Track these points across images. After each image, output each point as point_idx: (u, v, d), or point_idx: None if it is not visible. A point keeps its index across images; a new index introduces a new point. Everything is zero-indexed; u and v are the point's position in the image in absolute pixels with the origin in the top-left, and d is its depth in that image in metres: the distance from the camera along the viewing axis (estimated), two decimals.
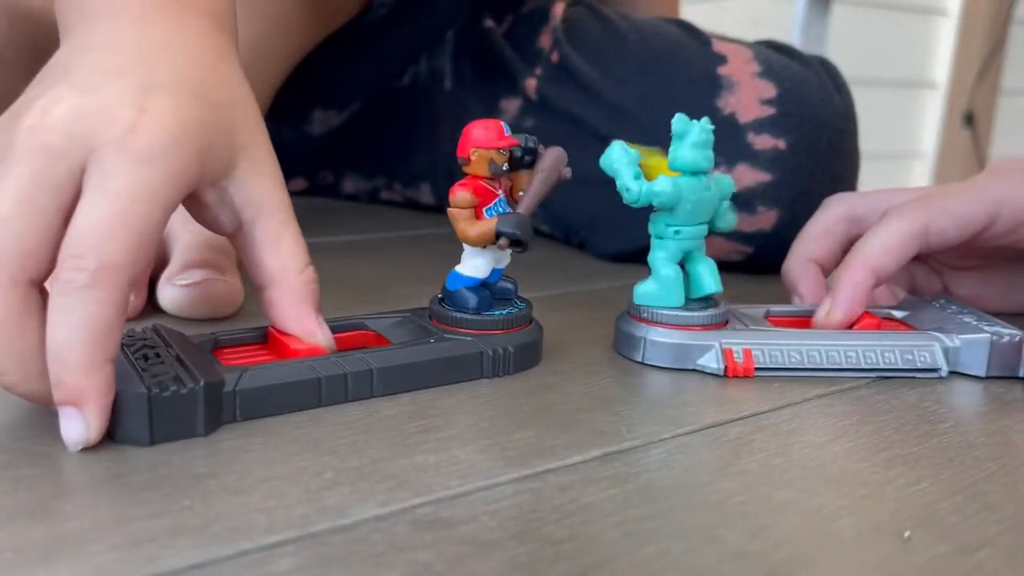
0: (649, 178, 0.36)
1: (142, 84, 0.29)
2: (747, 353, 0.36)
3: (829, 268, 0.44)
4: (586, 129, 0.57)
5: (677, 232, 0.37)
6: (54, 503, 0.24)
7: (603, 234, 0.57)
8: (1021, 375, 0.38)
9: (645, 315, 0.37)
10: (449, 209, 0.34)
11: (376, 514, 0.24)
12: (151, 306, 0.40)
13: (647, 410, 0.33)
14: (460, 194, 0.34)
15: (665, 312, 0.37)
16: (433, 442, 0.29)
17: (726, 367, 0.36)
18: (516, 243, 0.34)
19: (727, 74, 0.54)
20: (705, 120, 0.36)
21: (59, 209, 0.27)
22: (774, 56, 0.55)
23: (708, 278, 0.37)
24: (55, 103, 0.28)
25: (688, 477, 0.28)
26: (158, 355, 0.29)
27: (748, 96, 0.53)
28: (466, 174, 0.34)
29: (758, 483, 0.27)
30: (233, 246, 0.33)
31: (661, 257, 0.37)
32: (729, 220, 0.38)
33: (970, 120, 2.25)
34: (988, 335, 0.38)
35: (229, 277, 0.40)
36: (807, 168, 0.52)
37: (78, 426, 0.26)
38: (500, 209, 0.35)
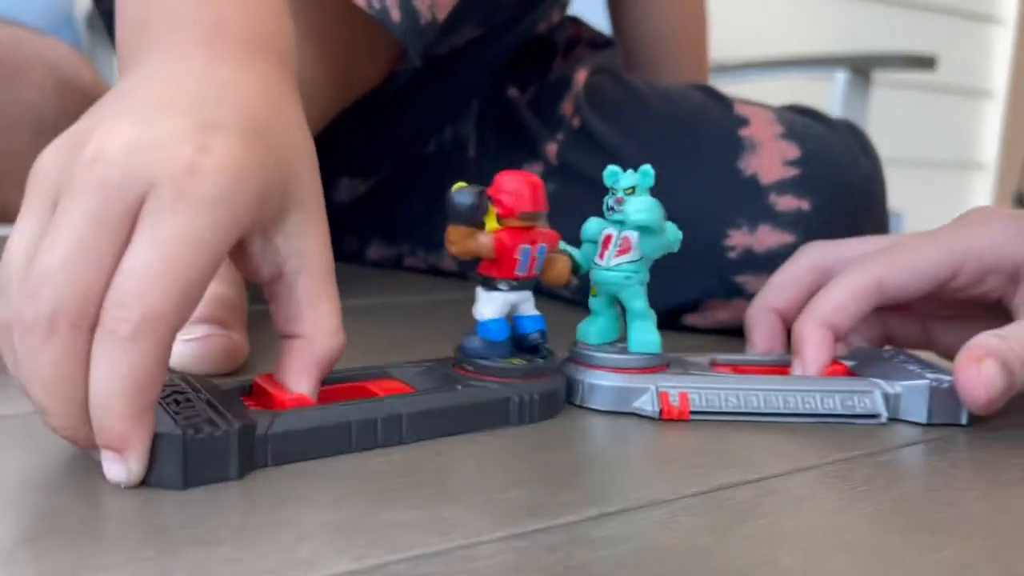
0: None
1: (204, 121, 0.28)
2: (683, 397, 0.36)
3: (791, 318, 0.43)
4: (607, 192, 0.56)
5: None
6: (16, 550, 0.23)
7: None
8: (963, 422, 0.37)
9: (584, 359, 0.37)
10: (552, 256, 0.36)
11: (349, 569, 0.23)
12: None
13: (654, 469, 0.31)
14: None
15: (602, 356, 0.37)
16: (420, 498, 0.27)
17: (661, 410, 0.36)
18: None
19: (749, 135, 0.53)
20: (646, 168, 0.37)
21: (115, 251, 0.26)
22: (797, 118, 0.54)
23: (633, 336, 0.37)
24: (113, 136, 0.27)
25: (688, 539, 0.26)
26: (188, 400, 0.29)
27: (771, 157, 0.52)
28: None
29: (763, 547, 0.26)
30: (266, 293, 0.32)
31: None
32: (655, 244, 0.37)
33: (1022, 201, 2.22)
34: (928, 381, 0.37)
35: (234, 333, 0.40)
36: (833, 229, 0.51)
37: (119, 469, 0.26)
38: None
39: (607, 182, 0.37)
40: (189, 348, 0.38)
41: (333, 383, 0.34)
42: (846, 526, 0.28)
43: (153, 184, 0.26)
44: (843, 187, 0.51)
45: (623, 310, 0.38)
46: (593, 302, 0.39)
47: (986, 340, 0.36)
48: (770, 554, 0.25)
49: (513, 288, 0.35)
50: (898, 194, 1.54)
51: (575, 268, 0.38)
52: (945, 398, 0.37)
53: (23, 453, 0.29)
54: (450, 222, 0.34)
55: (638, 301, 0.37)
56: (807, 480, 0.31)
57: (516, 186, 0.34)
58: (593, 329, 0.38)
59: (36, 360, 0.25)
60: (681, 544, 0.25)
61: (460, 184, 0.34)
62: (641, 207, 0.36)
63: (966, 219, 0.41)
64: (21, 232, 0.27)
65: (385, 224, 0.71)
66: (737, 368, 0.41)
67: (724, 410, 0.36)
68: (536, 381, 0.35)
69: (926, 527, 0.28)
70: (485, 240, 0.34)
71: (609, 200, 0.37)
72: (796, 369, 0.39)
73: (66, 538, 0.23)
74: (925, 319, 0.44)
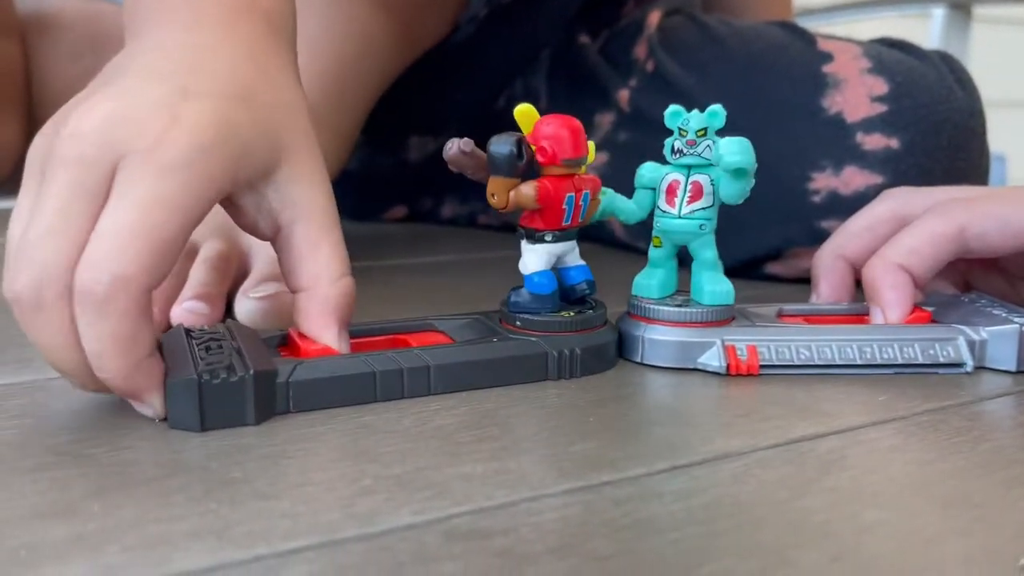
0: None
1: (181, 89, 0.29)
2: (751, 350, 0.34)
3: (862, 267, 0.40)
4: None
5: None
6: (83, 503, 0.23)
7: None
8: None
9: (644, 313, 0.36)
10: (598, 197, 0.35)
11: (408, 523, 0.22)
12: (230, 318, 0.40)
13: (726, 422, 0.30)
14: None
15: (664, 309, 0.35)
16: (485, 452, 0.27)
17: (728, 365, 0.34)
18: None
19: (833, 71, 0.50)
20: (715, 108, 0.34)
21: (91, 220, 0.27)
22: (886, 51, 0.51)
23: (706, 287, 0.35)
24: (91, 110, 0.28)
25: (764, 493, 0.24)
26: (220, 347, 0.30)
27: (856, 93, 0.49)
28: None
29: (846, 501, 0.24)
30: (274, 250, 0.33)
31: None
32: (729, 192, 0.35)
33: None
34: (1017, 326, 0.34)
35: None
36: (925, 168, 0.47)
37: (146, 410, 0.28)
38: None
39: (671, 123, 0.35)
40: (257, 305, 0.38)
41: (373, 335, 0.35)
42: (938, 479, 0.26)
43: (124, 155, 0.27)
44: (936, 123, 0.48)
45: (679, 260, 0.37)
46: (654, 253, 0.37)
47: None
48: (854, 509, 0.24)
49: (557, 239, 0.34)
50: (1001, 137, 1.46)
51: (611, 213, 0.36)
52: None
53: (77, 407, 0.30)
54: (491, 174, 0.32)
55: (709, 250, 0.36)
56: (894, 431, 0.29)
57: (555, 130, 0.32)
58: (654, 282, 0.36)
59: (34, 331, 0.27)
60: (757, 498, 0.24)
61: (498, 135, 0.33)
62: (735, 148, 0.33)
63: None
64: (17, 211, 0.28)
65: (458, 183, 0.71)
66: (808, 318, 0.38)
67: (796, 363, 0.34)
68: (581, 334, 0.34)
69: None
70: (528, 190, 0.32)
71: (676, 143, 0.35)
72: (875, 316, 0.37)
73: (131, 491, 0.24)
74: (1013, 277, 0.41)
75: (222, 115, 0.29)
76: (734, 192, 0.34)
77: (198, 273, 0.40)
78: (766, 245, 0.51)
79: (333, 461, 0.26)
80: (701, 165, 0.35)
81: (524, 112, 0.33)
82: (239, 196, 0.31)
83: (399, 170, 0.70)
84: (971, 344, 0.35)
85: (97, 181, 0.27)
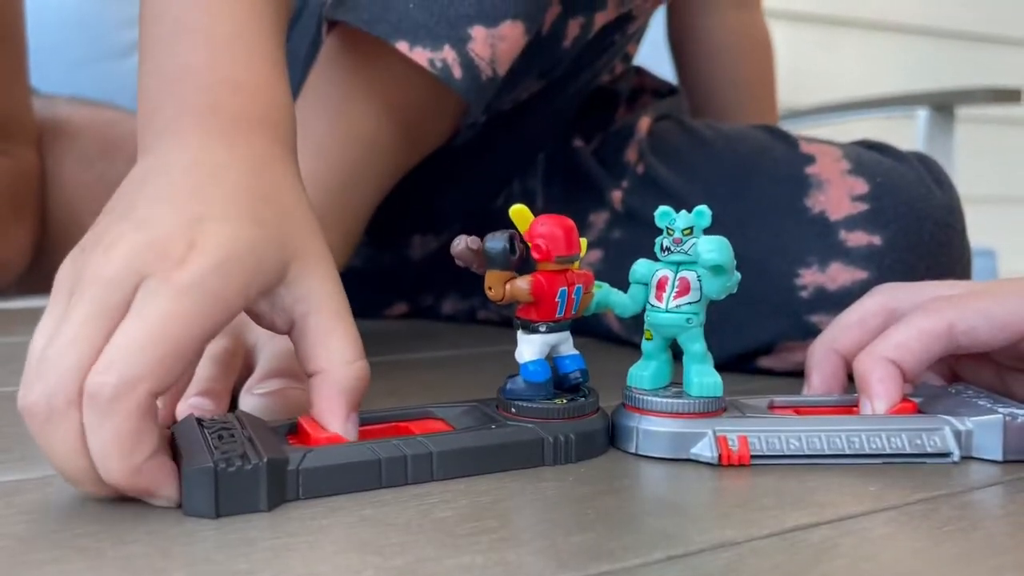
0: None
1: (196, 216, 0.32)
2: (742, 440, 0.35)
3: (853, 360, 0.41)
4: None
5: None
6: None
7: None
8: None
9: (638, 404, 0.37)
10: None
11: None
12: None
13: (720, 512, 0.30)
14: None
15: (656, 400, 0.36)
16: (484, 543, 0.27)
17: (720, 455, 0.35)
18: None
19: (815, 173, 0.52)
20: (701, 208, 0.36)
21: (108, 332, 0.29)
22: (865, 153, 0.53)
23: (694, 379, 0.36)
24: (117, 241, 0.31)
25: None
26: (232, 435, 0.31)
27: (838, 193, 0.51)
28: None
29: None
30: (292, 342, 0.34)
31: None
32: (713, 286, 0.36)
33: None
34: (1001, 416, 0.35)
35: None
36: (908, 264, 0.49)
37: (159, 501, 0.29)
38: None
39: (660, 223, 0.37)
40: (261, 401, 0.39)
41: (374, 423, 0.36)
42: (930, 568, 0.26)
43: (147, 276, 0.30)
44: (916, 220, 0.50)
45: (673, 354, 0.38)
46: (647, 346, 0.38)
47: None
48: None
49: (552, 329, 0.36)
50: (989, 232, 1.49)
51: (606, 306, 0.38)
52: (1021, 433, 0.35)
53: (87, 502, 0.30)
54: (487, 268, 0.34)
55: (698, 344, 0.37)
56: (886, 521, 0.30)
57: (550, 229, 0.34)
58: (647, 373, 0.37)
59: (44, 440, 0.28)
60: None
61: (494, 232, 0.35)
62: (713, 247, 0.35)
63: None
64: (41, 327, 0.30)
65: (458, 279, 0.72)
66: (798, 409, 0.39)
67: (786, 453, 0.35)
68: (575, 421, 0.35)
69: (1018, 568, 0.26)
70: (523, 284, 0.34)
71: (664, 241, 0.37)
72: (864, 407, 0.38)
73: None
74: (1001, 368, 0.42)
75: (234, 236, 0.32)
76: (716, 288, 0.36)
77: (203, 369, 0.41)
78: (757, 339, 0.52)
79: (336, 553, 0.26)
80: (688, 262, 0.36)
81: (518, 212, 0.35)
82: (256, 306, 0.33)
83: (401, 268, 0.71)
84: (957, 434, 0.36)
85: (118, 301, 0.29)
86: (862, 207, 0.50)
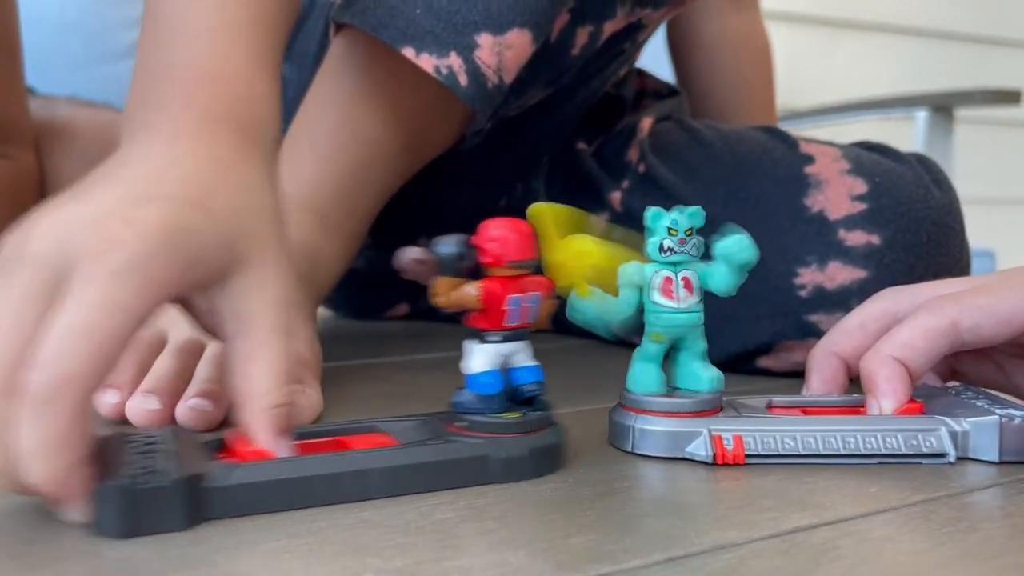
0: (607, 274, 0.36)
1: (137, 195, 0.31)
2: (737, 439, 0.35)
3: (855, 365, 0.41)
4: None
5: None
6: None
7: None
8: None
9: (633, 404, 0.36)
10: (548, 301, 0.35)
11: None
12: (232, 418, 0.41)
13: (720, 513, 0.30)
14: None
15: (654, 400, 0.36)
16: (484, 545, 0.27)
17: (715, 454, 0.35)
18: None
19: (814, 172, 0.52)
20: (695, 209, 0.36)
21: (38, 321, 0.27)
22: (864, 154, 0.53)
23: (704, 374, 0.36)
24: (54, 212, 0.30)
25: None
26: (155, 451, 0.30)
27: (837, 193, 0.51)
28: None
29: None
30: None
31: (643, 342, 0.37)
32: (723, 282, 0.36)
33: None
34: (998, 417, 0.35)
35: (307, 387, 0.41)
36: (907, 264, 0.49)
37: (70, 513, 0.27)
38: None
39: (653, 223, 0.36)
40: None
41: (314, 437, 0.34)
42: (930, 569, 0.26)
43: (78, 255, 0.28)
44: (915, 220, 0.50)
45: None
46: (653, 348, 0.37)
47: None
48: None
49: (505, 339, 0.34)
50: (988, 233, 1.49)
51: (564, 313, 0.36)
52: (1018, 434, 0.35)
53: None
54: (437, 273, 0.33)
55: (703, 341, 0.37)
56: (886, 522, 0.30)
57: (502, 233, 0.33)
58: (657, 377, 0.37)
59: None
60: None
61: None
62: (745, 244, 0.35)
63: None
64: None
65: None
66: (805, 409, 0.39)
67: (781, 452, 0.35)
68: (528, 436, 0.33)
69: (1018, 570, 0.26)
70: (470, 290, 0.32)
71: (667, 242, 0.36)
72: (871, 407, 0.38)
73: None
74: (1001, 361, 0.42)
75: (174, 220, 0.30)
76: (732, 285, 0.36)
77: (203, 370, 0.41)
78: (756, 339, 0.52)
79: (336, 555, 0.26)
80: (686, 262, 0.36)
81: (538, 212, 0.34)
82: (192, 299, 0.32)
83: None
84: (953, 435, 0.36)
85: (49, 281, 0.28)
86: (861, 207, 0.50)
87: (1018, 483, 0.34)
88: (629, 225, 0.61)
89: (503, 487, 0.32)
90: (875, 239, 0.50)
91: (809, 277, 0.51)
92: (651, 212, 0.36)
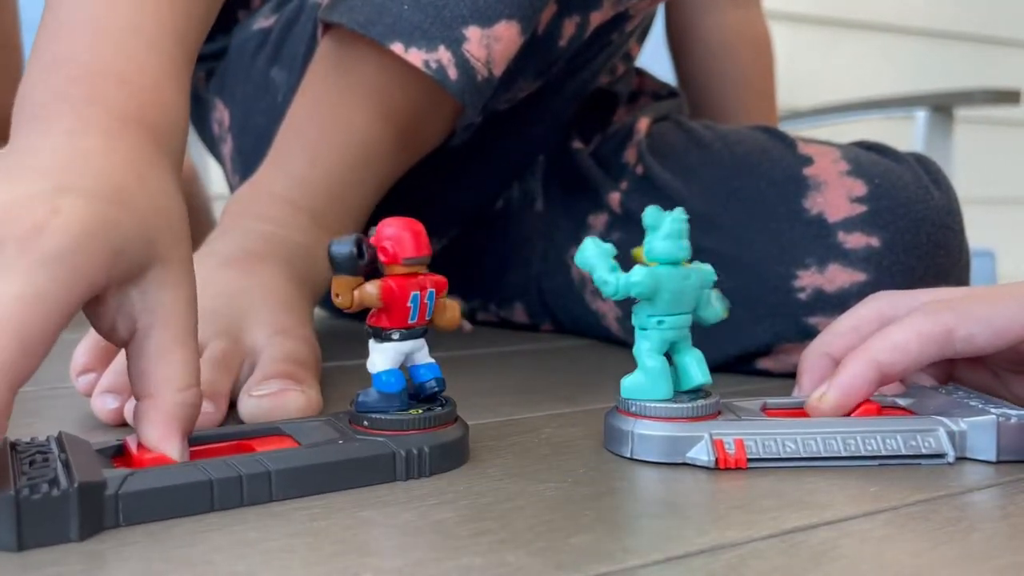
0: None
1: (59, 185, 0.30)
2: (739, 443, 0.35)
3: None
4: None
5: (660, 322, 0.36)
6: None
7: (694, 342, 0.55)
8: None
9: (633, 408, 0.36)
10: (443, 300, 0.35)
11: None
12: (232, 419, 0.41)
13: (719, 514, 0.30)
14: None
15: (652, 405, 0.36)
16: (484, 545, 0.27)
17: (717, 459, 0.34)
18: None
19: (813, 174, 0.52)
20: (679, 211, 0.35)
21: None
22: (863, 154, 0.53)
23: (695, 369, 0.36)
24: None
25: None
26: (46, 460, 0.29)
27: (836, 194, 0.51)
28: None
29: None
30: (126, 356, 0.32)
31: (646, 348, 0.36)
32: (715, 311, 0.37)
33: None
34: (994, 416, 0.35)
35: (306, 388, 0.41)
36: (907, 266, 0.49)
37: None
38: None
39: (648, 223, 0.36)
40: (262, 403, 0.39)
41: (213, 441, 0.34)
42: (930, 570, 0.26)
43: (2, 242, 0.27)
44: (914, 221, 0.50)
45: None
46: (640, 352, 0.37)
47: None
48: None
49: (404, 337, 0.34)
50: (988, 233, 1.49)
51: (465, 313, 0.37)
52: (1014, 433, 0.35)
53: None
54: (334, 273, 0.33)
55: (687, 343, 0.37)
56: (885, 522, 0.30)
57: (396, 231, 0.33)
58: (657, 382, 0.36)
59: None
60: None
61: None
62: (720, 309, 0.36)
63: None
64: None
65: (459, 281, 0.72)
66: (791, 412, 0.39)
67: (783, 456, 0.35)
68: (430, 432, 0.34)
69: (1018, 569, 0.26)
70: (372, 289, 0.33)
71: None
72: (819, 390, 0.37)
73: None
74: (998, 368, 0.42)
75: (100, 212, 0.30)
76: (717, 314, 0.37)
77: (203, 372, 0.41)
78: (755, 341, 0.52)
79: (335, 554, 0.26)
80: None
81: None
82: (107, 295, 0.31)
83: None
84: (951, 435, 0.36)
85: None
86: (860, 208, 0.50)
87: (1018, 483, 0.34)
88: (628, 226, 0.61)
89: (501, 487, 0.32)
90: (874, 241, 0.50)
91: (808, 279, 0.51)
92: (648, 211, 0.36)
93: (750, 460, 0.35)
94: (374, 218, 0.59)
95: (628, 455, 0.36)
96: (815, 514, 0.30)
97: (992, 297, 0.38)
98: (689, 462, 0.35)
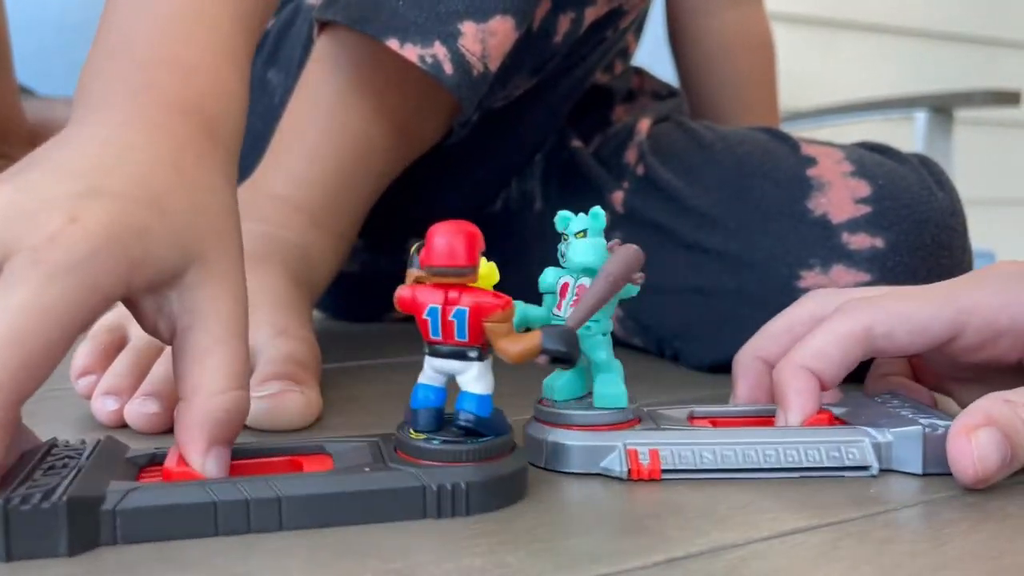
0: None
1: (86, 188, 0.29)
2: (653, 454, 0.33)
3: None
4: (674, 238, 0.56)
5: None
6: None
7: (697, 344, 0.55)
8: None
9: (547, 417, 0.35)
10: (488, 324, 0.30)
11: None
12: None
13: (721, 516, 0.30)
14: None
15: (567, 413, 0.34)
16: (484, 546, 0.27)
17: (630, 470, 0.33)
18: (560, 360, 0.30)
19: (817, 175, 0.52)
20: (596, 209, 0.34)
21: None
22: (867, 155, 0.53)
23: (597, 390, 0.35)
24: None
25: None
26: (65, 466, 0.28)
27: (840, 195, 0.51)
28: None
29: None
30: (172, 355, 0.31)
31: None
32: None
33: None
34: (920, 427, 0.34)
35: (307, 389, 0.41)
36: (910, 267, 0.49)
37: None
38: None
39: (558, 227, 0.35)
40: (262, 404, 0.39)
41: (254, 456, 0.32)
42: (932, 570, 0.26)
43: (14, 250, 0.27)
44: (918, 222, 0.50)
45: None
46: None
47: (989, 404, 0.32)
48: None
49: (434, 353, 0.31)
50: (988, 234, 1.49)
51: (526, 323, 0.34)
52: (941, 445, 0.33)
53: None
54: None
55: (601, 352, 0.35)
56: (887, 523, 0.30)
57: (434, 235, 0.29)
58: (559, 383, 0.36)
59: None
60: None
61: None
62: (581, 249, 0.33)
63: (981, 274, 0.37)
64: None
65: None
66: (716, 421, 0.38)
67: (699, 467, 0.33)
68: (475, 466, 0.30)
69: (1018, 569, 0.26)
70: (397, 291, 0.31)
71: (562, 246, 0.35)
72: (779, 419, 0.36)
73: None
74: (941, 379, 0.41)
75: (125, 218, 0.28)
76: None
77: None
78: None
79: (336, 556, 0.26)
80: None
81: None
82: (139, 299, 0.30)
83: (401, 272, 0.71)
84: (876, 446, 0.34)
85: None
86: (864, 209, 0.50)
87: (1018, 483, 0.34)
88: (632, 226, 0.61)
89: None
90: (879, 242, 0.49)
91: (813, 280, 0.51)
92: (558, 216, 0.35)
93: (664, 471, 0.33)
94: (371, 218, 0.59)
95: (543, 465, 0.35)
96: (815, 515, 0.30)
97: (914, 295, 0.37)
98: (603, 472, 0.34)
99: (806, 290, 0.51)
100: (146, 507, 0.27)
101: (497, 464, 0.30)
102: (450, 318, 0.30)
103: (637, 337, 0.61)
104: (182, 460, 0.29)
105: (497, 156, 0.66)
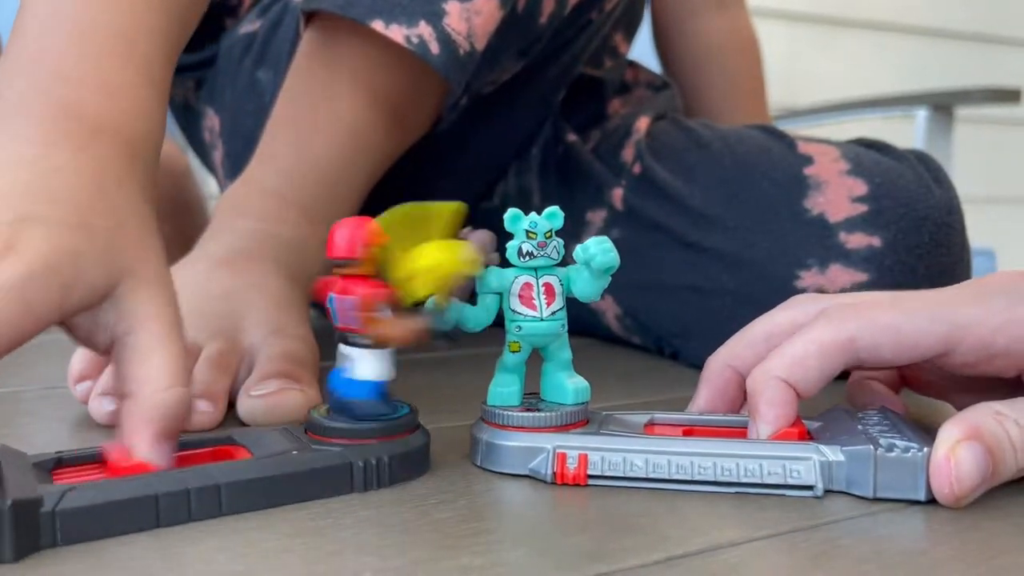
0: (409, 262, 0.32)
1: (17, 215, 0.30)
2: (582, 459, 0.32)
3: None
4: (673, 237, 0.56)
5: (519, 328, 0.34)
6: None
7: (696, 342, 0.55)
8: (922, 498, 0.31)
9: (491, 417, 0.34)
10: (367, 313, 0.31)
11: None
12: (232, 419, 0.41)
13: (721, 514, 0.30)
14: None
15: (507, 414, 0.34)
16: (483, 544, 0.27)
17: (555, 473, 0.32)
18: (441, 337, 0.32)
19: (814, 174, 0.52)
20: (553, 209, 0.34)
21: None
22: (864, 153, 0.53)
23: (570, 386, 0.34)
24: None
25: None
26: None
27: (837, 194, 0.51)
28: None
29: None
30: (113, 363, 0.32)
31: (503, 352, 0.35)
32: (588, 289, 0.34)
33: None
34: (871, 447, 0.31)
35: (304, 387, 0.41)
36: (908, 266, 0.49)
37: None
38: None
39: (512, 227, 0.34)
40: (260, 403, 0.39)
41: (197, 447, 0.32)
42: (932, 569, 0.26)
43: None
44: (916, 220, 0.50)
45: None
46: (513, 359, 0.35)
47: (977, 416, 0.31)
48: None
49: (341, 339, 0.33)
50: (988, 232, 1.49)
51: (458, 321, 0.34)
52: (895, 468, 0.31)
53: None
54: None
55: (567, 351, 0.35)
56: (887, 521, 0.30)
57: (333, 231, 0.31)
58: (515, 389, 0.35)
59: None
60: None
61: None
62: (608, 246, 0.33)
63: (982, 285, 0.34)
64: None
65: None
66: (690, 430, 0.37)
67: (627, 475, 0.32)
68: (390, 441, 0.32)
69: (1018, 569, 0.26)
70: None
71: (525, 245, 0.33)
72: (751, 431, 0.34)
73: None
74: (932, 385, 0.39)
75: (57, 243, 0.30)
76: (595, 290, 0.34)
77: (200, 372, 0.40)
78: None
79: (334, 554, 0.26)
80: (547, 267, 0.34)
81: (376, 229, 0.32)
82: (72, 320, 0.31)
83: None
84: (825, 465, 0.32)
85: None
86: (862, 208, 0.50)
87: (1019, 483, 0.34)
88: (630, 224, 0.61)
89: (501, 486, 0.32)
90: (876, 241, 0.49)
91: (810, 280, 0.51)
92: (509, 214, 0.34)
93: (591, 477, 0.33)
94: (364, 210, 0.59)
95: (478, 463, 0.35)
96: (816, 514, 0.30)
97: (905, 304, 0.34)
98: (532, 475, 0.33)
99: (804, 290, 0.51)
100: (88, 506, 0.27)
101: (406, 440, 0.33)
102: (342, 307, 0.32)
103: (636, 335, 0.61)
104: (124, 455, 0.30)
105: (489, 145, 0.65)
